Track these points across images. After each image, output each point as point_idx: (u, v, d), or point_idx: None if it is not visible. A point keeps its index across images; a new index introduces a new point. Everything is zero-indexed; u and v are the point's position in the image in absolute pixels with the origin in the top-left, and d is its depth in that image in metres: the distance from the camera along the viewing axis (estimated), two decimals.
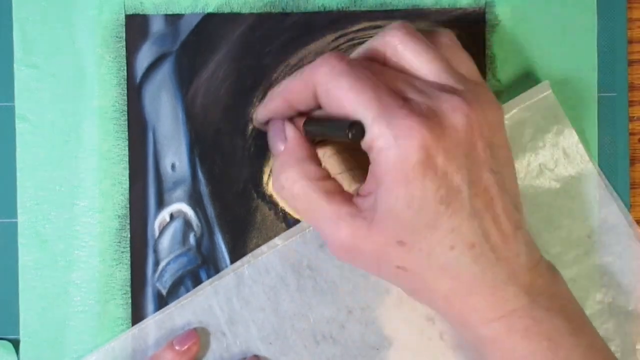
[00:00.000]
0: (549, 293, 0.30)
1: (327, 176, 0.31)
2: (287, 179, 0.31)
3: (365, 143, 0.29)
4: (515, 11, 0.37)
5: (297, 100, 0.31)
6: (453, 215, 0.28)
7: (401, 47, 0.30)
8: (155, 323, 0.36)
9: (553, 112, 0.36)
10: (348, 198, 0.30)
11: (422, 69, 0.30)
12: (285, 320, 0.36)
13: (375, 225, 0.29)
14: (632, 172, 0.38)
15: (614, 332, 0.36)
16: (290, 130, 0.32)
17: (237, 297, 0.36)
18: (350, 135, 0.28)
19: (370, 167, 0.29)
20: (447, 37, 0.32)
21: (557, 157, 0.37)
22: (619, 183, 0.37)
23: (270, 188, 0.37)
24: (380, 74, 0.30)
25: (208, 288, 0.36)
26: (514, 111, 0.36)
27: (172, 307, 0.36)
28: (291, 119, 0.33)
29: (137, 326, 0.36)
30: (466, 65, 0.32)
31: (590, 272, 0.36)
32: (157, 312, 0.36)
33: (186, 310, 0.36)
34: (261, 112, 0.34)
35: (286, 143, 0.32)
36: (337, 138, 0.31)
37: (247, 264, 0.36)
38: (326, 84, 0.29)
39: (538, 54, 0.37)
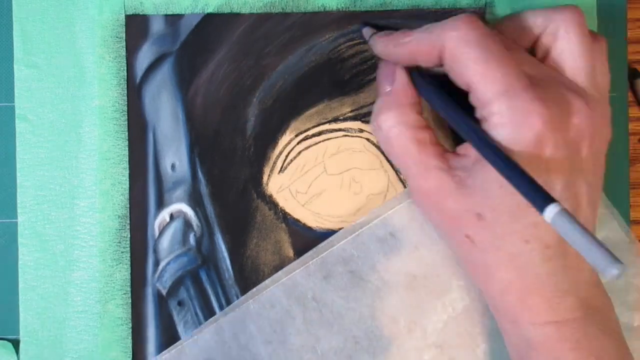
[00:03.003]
0: (602, 314, 0.30)
1: (425, 126, 0.31)
2: (385, 121, 0.31)
3: (480, 112, 0.29)
4: (515, 11, 0.37)
5: (421, 56, 0.31)
6: None
7: (563, 31, 0.30)
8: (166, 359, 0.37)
9: None
10: (440, 152, 0.31)
11: (569, 60, 0.30)
12: (293, 353, 0.36)
13: (463, 188, 0.29)
14: (632, 172, 0.38)
15: None
16: (400, 75, 0.32)
17: (243, 332, 0.36)
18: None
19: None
20: (604, 45, 0.32)
21: None
22: (619, 183, 0.37)
23: (270, 188, 0.37)
24: (511, 50, 0.30)
25: (214, 324, 0.36)
26: None
27: (182, 343, 0.36)
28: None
29: None
30: (604, 77, 0.31)
31: None
32: (170, 348, 0.36)
33: (194, 348, 0.36)
34: (381, 51, 0.33)
35: (393, 86, 0.32)
36: (438, 110, 0.31)
37: (252, 299, 0.36)
38: (454, 49, 0.29)
39: None
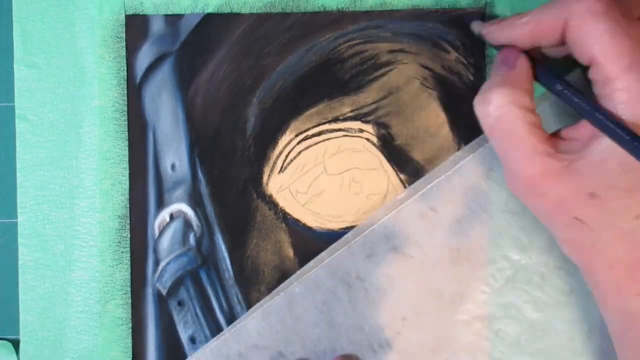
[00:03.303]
0: None
1: (534, 111, 0.30)
2: (499, 98, 0.30)
3: (601, 89, 0.28)
4: (515, 11, 0.37)
5: (542, 34, 0.30)
6: None
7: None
8: (211, 350, 0.36)
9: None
10: (547, 137, 0.30)
11: None
12: (341, 333, 0.36)
13: (572, 171, 0.29)
14: None
15: None
16: (522, 60, 0.31)
17: (290, 316, 0.36)
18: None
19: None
20: None
21: None
22: None
23: (270, 188, 0.37)
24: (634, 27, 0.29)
25: (259, 310, 0.36)
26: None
27: (226, 333, 0.36)
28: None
29: (193, 356, 0.36)
30: None
31: None
32: (213, 339, 0.36)
33: (241, 335, 0.36)
34: (498, 37, 0.32)
35: (514, 69, 0.31)
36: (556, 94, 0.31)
37: (297, 282, 0.36)
38: (580, 20, 0.28)
39: None
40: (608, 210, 0.29)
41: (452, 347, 0.36)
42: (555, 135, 0.31)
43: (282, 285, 0.36)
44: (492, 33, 0.33)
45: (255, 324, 0.36)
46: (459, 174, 0.36)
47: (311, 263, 0.36)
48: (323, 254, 0.36)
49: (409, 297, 0.36)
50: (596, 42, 0.28)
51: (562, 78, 0.31)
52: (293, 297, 0.36)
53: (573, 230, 0.30)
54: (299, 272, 0.36)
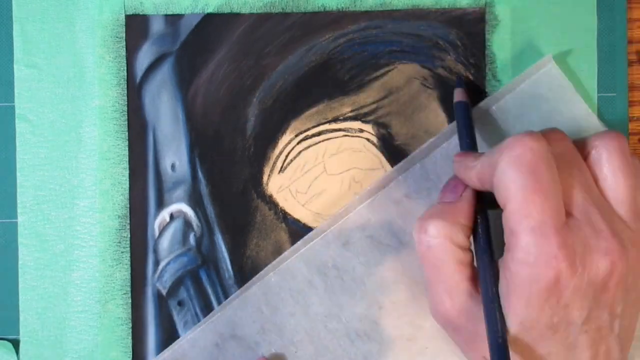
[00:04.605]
0: None
1: (467, 248, 0.31)
2: (436, 229, 0.31)
3: (506, 237, 0.29)
4: (515, 11, 0.37)
5: (484, 180, 0.30)
6: (554, 342, 0.29)
7: (605, 160, 0.30)
8: (188, 342, 0.36)
9: (558, 83, 0.36)
10: (473, 276, 0.31)
11: (611, 191, 0.30)
12: (317, 323, 0.36)
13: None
14: None
15: None
16: (468, 194, 0.32)
17: (266, 305, 0.36)
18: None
19: (502, 265, 0.30)
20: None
21: (568, 126, 0.36)
22: None
23: (270, 188, 0.37)
24: (570, 168, 0.30)
25: (236, 301, 0.36)
26: (520, 87, 0.36)
27: (203, 324, 0.36)
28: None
29: (169, 348, 0.36)
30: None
31: None
32: (190, 331, 0.36)
33: (217, 325, 0.36)
34: (456, 171, 0.33)
35: (458, 201, 0.32)
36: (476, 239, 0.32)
37: (273, 271, 0.36)
38: (504, 169, 0.29)
39: (538, 54, 0.37)
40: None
41: (428, 335, 0.36)
42: None
43: (258, 275, 0.36)
44: (454, 165, 0.33)
45: (232, 314, 0.36)
46: (433, 161, 0.36)
47: (287, 253, 0.36)
48: (299, 243, 0.36)
49: (385, 285, 0.36)
50: (511, 194, 0.28)
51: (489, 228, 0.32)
52: (269, 287, 0.36)
53: None
54: (274, 261, 0.36)
